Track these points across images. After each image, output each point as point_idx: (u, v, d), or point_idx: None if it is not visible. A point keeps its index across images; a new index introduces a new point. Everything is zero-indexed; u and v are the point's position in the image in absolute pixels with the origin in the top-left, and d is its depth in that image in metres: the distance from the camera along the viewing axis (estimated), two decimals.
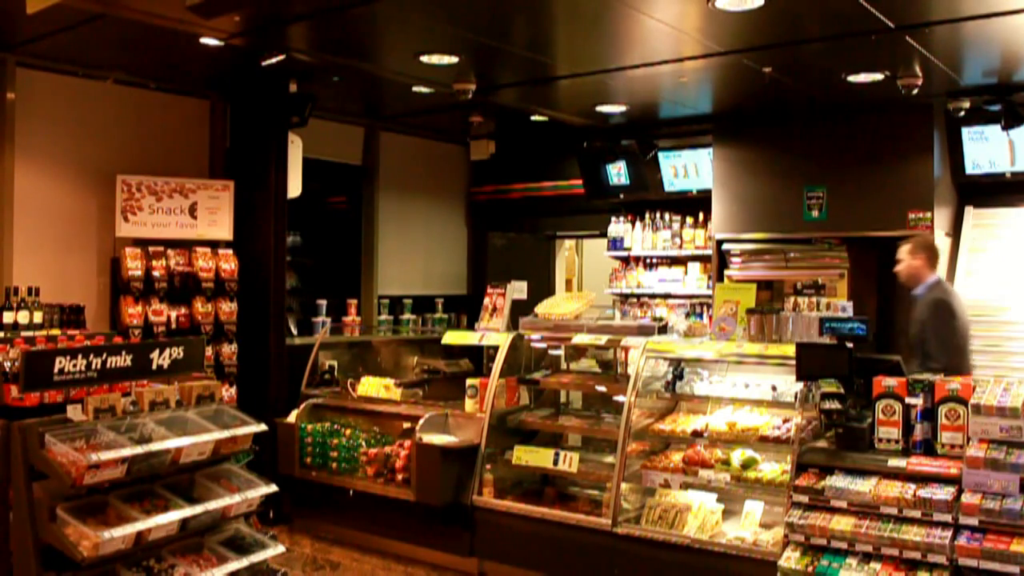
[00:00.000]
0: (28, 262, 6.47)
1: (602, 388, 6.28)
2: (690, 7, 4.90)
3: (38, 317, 5.88)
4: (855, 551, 4.50)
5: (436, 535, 6.31)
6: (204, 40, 5.76)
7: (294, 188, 7.55)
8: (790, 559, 4.61)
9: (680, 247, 8.42)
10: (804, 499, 4.70)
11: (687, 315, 7.59)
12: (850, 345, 5.13)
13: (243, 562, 4.38)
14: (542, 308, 6.61)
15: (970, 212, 7.21)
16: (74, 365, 4.01)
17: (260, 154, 7.27)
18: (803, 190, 7.26)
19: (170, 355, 4.43)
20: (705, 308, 7.98)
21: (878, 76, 6.08)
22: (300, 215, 8.28)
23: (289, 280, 8.08)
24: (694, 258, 8.36)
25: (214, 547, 4.42)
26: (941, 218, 6.87)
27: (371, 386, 7.13)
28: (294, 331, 8.02)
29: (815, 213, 7.22)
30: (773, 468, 5.21)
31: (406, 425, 6.44)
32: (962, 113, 6.56)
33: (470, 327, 7.95)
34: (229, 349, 7.06)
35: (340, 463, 6.65)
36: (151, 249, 6.89)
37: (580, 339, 6.27)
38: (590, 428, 6.22)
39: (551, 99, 7.38)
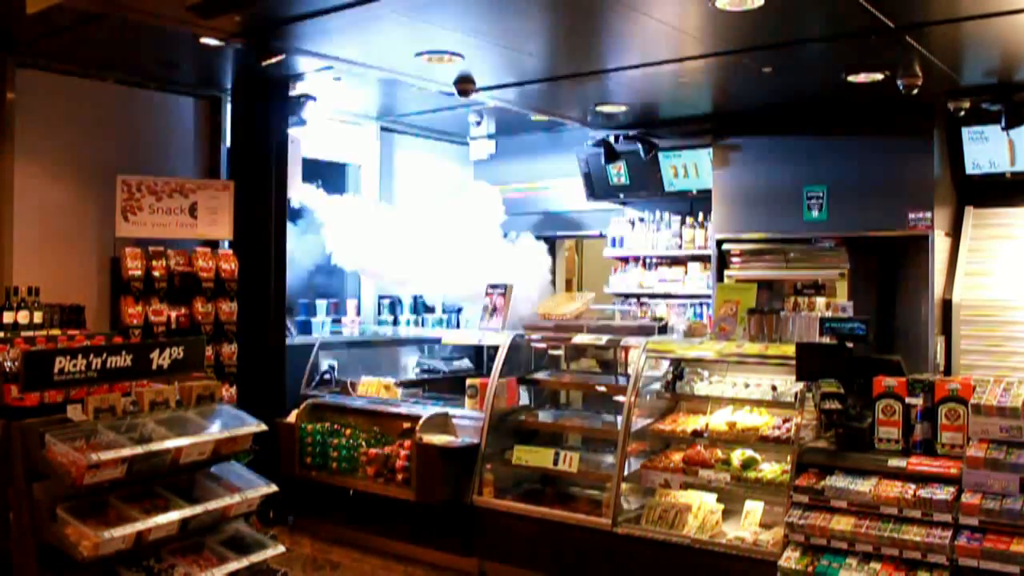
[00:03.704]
0: (28, 262, 6.47)
1: (602, 388, 6.28)
2: (690, 7, 4.90)
3: (38, 317, 5.87)
4: (855, 551, 4.50)
5: (436, 535, 6.32)
6: (204, 40, 5.76)
7: (294, 188, 7.55)
8: (790, 559, 4.61)
9: (680, 247, 8.42)
10: (804, 499, 4.70)
11: (687, 315, 7.61)
12: (850, 345, 5.13)
13: (243, 562, 4.38)
14: (542, 308, 6.62)
15: (970, 212, 7.21)
16: (74, 365, 4.01)
17: (260, 154, 7.26)
18: (803, 190, 7.26)
19: (170, 355, 4.43)
20: (705, 308, 7.98)
21: (878, 76, 6.08)
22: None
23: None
24: (694, 258, 8.35)
25: (214, 547, 4.42)
26: (941, 218, 6.86)
27: (371, 386, 7.14)
28: (294, 331, 8.02)
29: (815, 213, 7.22)
30: (773, 468, 5.21)
31: (406, 425, 6.44)
32: (962, 113, 6.56)
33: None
34: (229, 349, 7.05)
35: (340, 463, 6.65)
36: (151, 249, 6.88)
37: (580, 339, 6.27)
38: (590, 428, 6.23)
39: (551, 99, 7.37)
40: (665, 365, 6.06)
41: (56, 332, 5.63)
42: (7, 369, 4.16)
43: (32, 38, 6.11)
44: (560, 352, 6.68)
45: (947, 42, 5.39)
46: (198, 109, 7.62)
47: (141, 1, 5.10)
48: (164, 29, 5.49)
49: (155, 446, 4.07)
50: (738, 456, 5.31)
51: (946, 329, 6.91)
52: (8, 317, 5.78)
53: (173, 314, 6.86)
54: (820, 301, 6.59)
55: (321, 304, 8.28)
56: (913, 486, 4.46)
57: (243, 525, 4.64)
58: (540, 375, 6.56)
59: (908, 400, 4.76)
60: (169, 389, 4.43)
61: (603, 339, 6.15)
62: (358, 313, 8.42)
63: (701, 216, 8.27)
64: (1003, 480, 4.26)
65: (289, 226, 7.44)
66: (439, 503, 6.18)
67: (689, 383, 5.99)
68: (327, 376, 7.45)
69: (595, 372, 6.73)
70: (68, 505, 3.90)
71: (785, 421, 5.34)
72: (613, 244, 8.86)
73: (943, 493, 4.36)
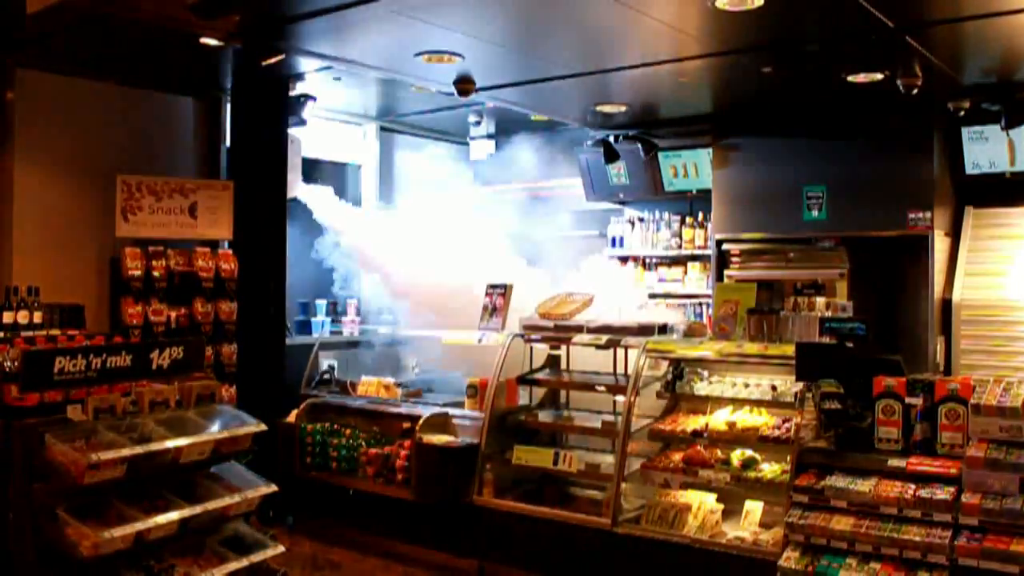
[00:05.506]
0: (28, 262, 6.47)
1: (602, 388, 6.28)
2: (690, 7, 4.90)
3: (38, 317, 5.87)
4: (855, 551, 4.49)
5: (436, 535, 6.32)
6: (204, 40, 5.76)
7: (294, 188, 7.54)
8: (790, 559, 4.60)
9: (680, 247, 8.43)
10: (804, 499, 4.70)
11: (687, 315, 7.61)
12: (850, 345, 5.13)
13: (243, 562, 4.38)
14: (542, 308, 6.61)
15: (970, 212, 7.21)
16: (74, 365, 4.01)
17: (260, 154, 7.26)
18: (803, 190, 7.27)
19: (170, 355, 4.43)
20: (705, 308, 7.98)
21: (878, 76, 6.08)
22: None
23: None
24: (694, 258, 8.36)
25: (214, 547, 4.43)
26: (941, 218, 6.87)
27: (371, 386, 7.13)
28: (294, 331, 8.03)
29: (815, 213, 7.22)
30: (773, 468, 5.21)
31: (406, 425, 6.44)
32: (962, 113, 6.56)
33: None
34: (229, 349, 7.05)
35: (340, 463, 6.65)
36: (151, 249, 6.88)
37: (580, 339, 6.27)
38: (590, 428, 6.22)
39: (551, 99, 7.38)
40: (665, 365, 6.06)
41: (56, 332, 5.63)
42: (7, 369, 4.16)
43: (32, 38, 6.11)
44: (560, 352, 6.67)
45: (947, 42, 5.40)
46: (198, 109, 7.62)
47: (141, 1, 5.10)
48: (164, 29, 5.49)
49: (155, 446, 4.08)
50: (738, 456, 5.30)
51: (946, 329, 6.92)
52: (8, 317, 5.78)
53: (173, 314, 6.86)
54: (820, 301, 6.58)
55: (321, 304, 8.28)
56: (913, 486, 4.46)
57: (243, 525, 4.64)
58: (540, 375, 6.56)
59: (908, 400, 4.75)
60: (169, 389, 4.43)
61: (603, 339, 6.15)
62: (358, 313, 8.42)
63: (700, 216, 8.27)
64: (1003, 480, 4.26)
65: (289, 225, 7.45)
66: (439, 503, 6.17)
67: (689, 383, 5.99)
68: (327, 376, 7.45)
69: (595, 372, 6.72)
70: (68, 505, 3.90)
71: (785, 421, 5.34)
72: (613, 244, 8.87)
73: (943, 493, 4.36)
